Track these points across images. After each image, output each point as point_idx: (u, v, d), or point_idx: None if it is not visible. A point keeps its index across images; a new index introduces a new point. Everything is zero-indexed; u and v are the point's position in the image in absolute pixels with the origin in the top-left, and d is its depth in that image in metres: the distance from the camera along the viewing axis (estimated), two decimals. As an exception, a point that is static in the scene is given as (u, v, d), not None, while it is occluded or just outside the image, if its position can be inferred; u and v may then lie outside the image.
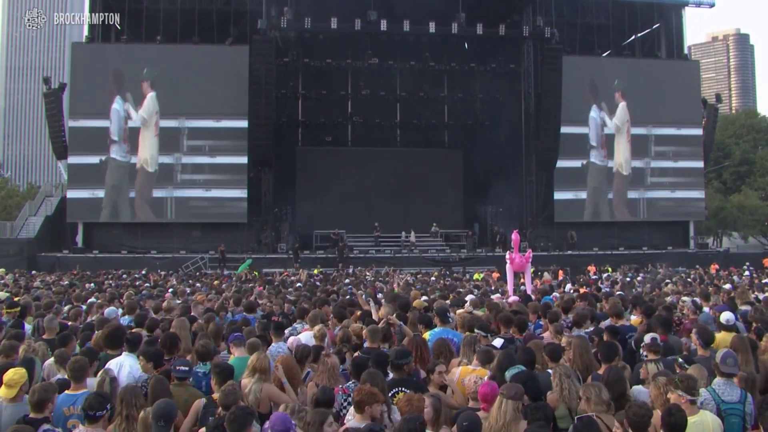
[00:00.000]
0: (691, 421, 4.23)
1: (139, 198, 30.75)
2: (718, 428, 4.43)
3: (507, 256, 12.45)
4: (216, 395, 4.90)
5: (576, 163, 33.64)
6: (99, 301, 10.71)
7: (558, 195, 33.55)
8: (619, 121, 34.10)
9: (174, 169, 31.00)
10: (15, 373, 4.82)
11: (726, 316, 7.07)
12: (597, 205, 33.96)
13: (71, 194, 30.71)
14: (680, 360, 5.53)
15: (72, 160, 30.79)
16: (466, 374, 5.44)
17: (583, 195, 33.83)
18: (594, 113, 33.84)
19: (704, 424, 4.37)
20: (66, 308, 9.73)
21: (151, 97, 30.74)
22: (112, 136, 30.58)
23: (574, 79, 32.05)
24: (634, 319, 8.42)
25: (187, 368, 5.47)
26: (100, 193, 30.52)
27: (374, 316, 8.25)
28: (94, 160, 30.39)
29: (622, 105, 34.01)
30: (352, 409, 4.61)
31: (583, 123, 33.66)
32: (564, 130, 32.12)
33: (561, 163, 32.96)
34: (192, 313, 9.04)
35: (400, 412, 4.39)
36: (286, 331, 8.00)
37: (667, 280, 16.99)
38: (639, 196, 34.35)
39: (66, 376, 5.44)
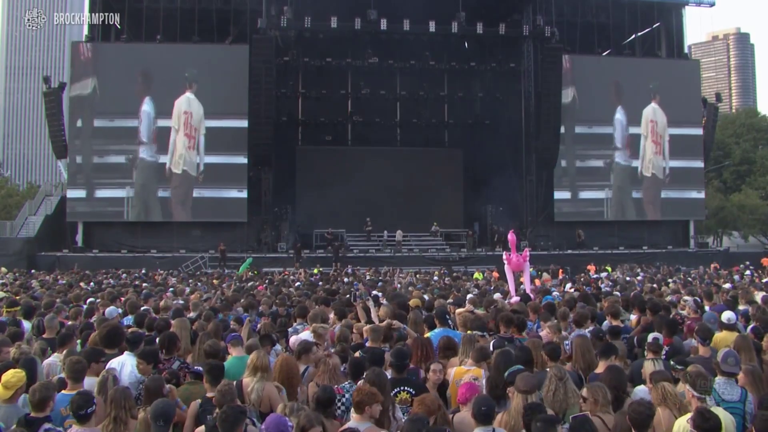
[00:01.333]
0: None
1: (175, 198, 30.82)
2: (730, 425, 4.41)
3: (504, 257, 12.37)
4: (211, 394, 4.90)
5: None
6: (100, 300, 10.71)
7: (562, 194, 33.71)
8: (645, 122, 34.07)
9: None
10: (13, 376, 4.79)
11: (727, 315, 7.07)
12: (618, 204, 34.14)
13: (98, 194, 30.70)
14: (672, 362, 5.52)
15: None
16: (461, 374, 5.44)
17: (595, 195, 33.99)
18: (619, 114, 33.83)
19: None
20: (68, 307, 9.70)
21: (185, 97, 30.71)
22: (141, 137, 30.62)
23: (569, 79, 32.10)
24: (634, 318, 8.42)
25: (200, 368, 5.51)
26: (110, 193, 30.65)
27: (373, 316, 8.26)
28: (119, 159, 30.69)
29: (651, 106, 33.98)
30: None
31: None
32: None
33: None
34: (191, 313, 9.03)
35: (412, 412, 4.38)
36: (289, 330, 8.04)
37: (668, 279, 16.98)
38: (638, 196, 34.32)
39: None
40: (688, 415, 4.26)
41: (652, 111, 34.10)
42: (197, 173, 30.83)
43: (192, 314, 9.08)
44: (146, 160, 30.68)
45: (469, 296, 11.08)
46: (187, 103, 30.76)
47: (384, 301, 9.65)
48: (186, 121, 30.74)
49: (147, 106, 30.60)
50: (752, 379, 5.08)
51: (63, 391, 5.01)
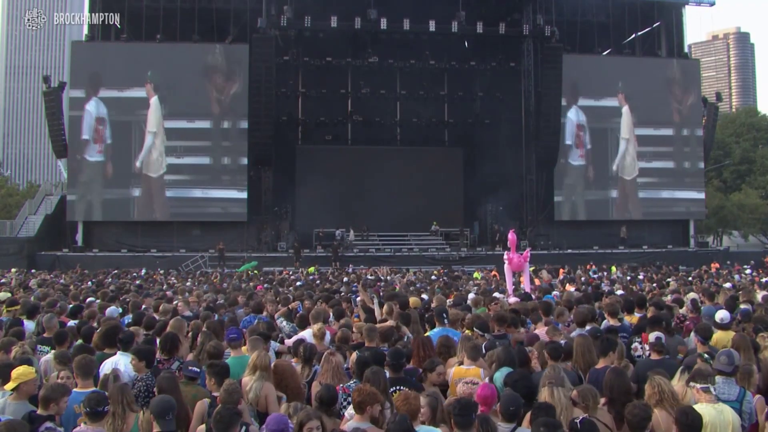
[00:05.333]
0: (714, 407, 4.34)
1: (147, 198, 30.67)
2: (736, 422, 4.42)
3: (505, 256, 12.39)
4: (217, 394, 4.91)
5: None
6: (99, 300, 10.73)
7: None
8: (624, 125, 33.90)
9: (174, 169, 30.95)
10: (25, 369, 4.97)
11: (720, 315, 7.07)
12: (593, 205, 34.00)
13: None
14: (705, 356, 5.58)
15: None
16: (460, 374, 5.46)
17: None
18: (572, 114, 33.46)
19: (724, 414, 4.41)
20: (70, 306, 9.70)
21: (154, 101, 30.61)
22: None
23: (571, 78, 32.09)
24: (631, 317, 8.43)
25: (198, 369, 5.52)
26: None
27: (377, 315, 8.29)
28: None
29: (625, 108, 33.88)
30: (350, 408, 4.62)
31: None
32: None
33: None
34: (186, 313, 9.00)
35: (397, 410, 4.40)
36: (289, 327, 8.04)
37: (668, 279, 16.99)
38: (639, 196, 34.23)
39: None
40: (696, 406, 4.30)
41: (627, 112, 33.88)
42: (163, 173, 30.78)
43: (188, 313, 9.06)
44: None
45: (471, 295, 11.10)
46: (158, 106, 30.63)
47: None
48: (161, 124, 30.72)
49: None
50: (742, 377, 5.10)
51: (75, 389, 5.07)
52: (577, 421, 4.12)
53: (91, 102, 30.34)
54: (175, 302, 10.41)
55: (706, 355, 5.70)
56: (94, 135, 30.31)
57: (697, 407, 4.31)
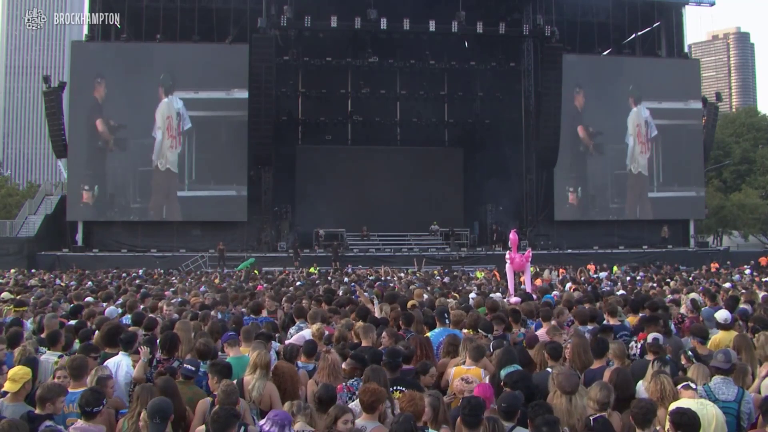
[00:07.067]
0: (696, 402, 4.36)
1: (158, 197, 30.70)
2: (720, 417, 4.42)
3: (507, 256, 12.41)
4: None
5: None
6: (99, 300, 10.72)
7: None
8: (632, 125, 34.05)
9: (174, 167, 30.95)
10: (21, 369, 4.98)
11: (723, 315, 7.08)
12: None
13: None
14: (690, 353, 5.59)
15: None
16: (460, 374, 5.46)
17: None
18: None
19: (707, 409, 4.41)
20: (69, 306, 9.68)
21: (164, 102, 30.73)
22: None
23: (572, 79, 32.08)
24: (632, 317, 8.44)
25: (194, 368, 5.52)
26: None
27: (377, 314, 8.29)
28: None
29: (635, 110, 33.96)
30: (352, 404, 4.62)
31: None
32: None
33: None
34: (173, 316, 8.95)
35: (401, 410, 4.39)
36: (292, 329, 8.04)
37: (667, 279, 16.99)
38: (639, 196, 34.25)
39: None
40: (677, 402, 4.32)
41: (636, 113, 34.00)
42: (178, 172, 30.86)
43: (175, 316, 8.99)
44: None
45: (472, 295, 11.11)
46: (167, 107, 30.74)
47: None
48: (169, 124, 30.76)
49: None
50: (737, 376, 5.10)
51: (69, 389, 5.05)
52: (592, 419, 4.12)
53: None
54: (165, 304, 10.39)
55: (690, 353, 5.71)
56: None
57: (679, 403, 4.33)
